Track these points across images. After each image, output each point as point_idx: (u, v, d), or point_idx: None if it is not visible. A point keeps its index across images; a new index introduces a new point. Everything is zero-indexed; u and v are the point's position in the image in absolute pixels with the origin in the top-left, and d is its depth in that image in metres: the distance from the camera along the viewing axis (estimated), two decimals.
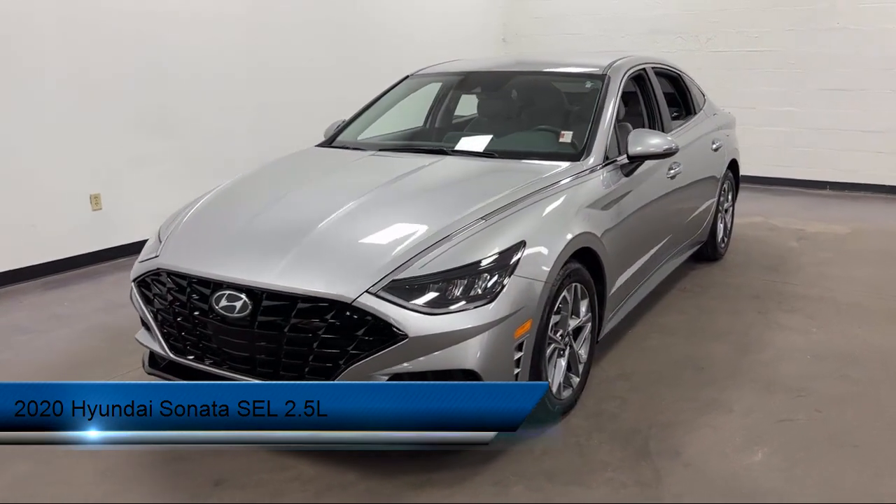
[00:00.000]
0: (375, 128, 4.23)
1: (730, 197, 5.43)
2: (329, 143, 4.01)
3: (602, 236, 3.14)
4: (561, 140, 3.56)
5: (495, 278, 2.53)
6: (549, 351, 2.84)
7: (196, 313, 2.67)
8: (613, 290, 3.38)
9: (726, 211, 5.44)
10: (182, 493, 2.56)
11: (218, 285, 2.61)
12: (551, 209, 2.91)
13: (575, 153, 3.39)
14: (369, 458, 2.71)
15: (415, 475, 2.63)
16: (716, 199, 5.00)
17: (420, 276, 2.48)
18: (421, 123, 4.57)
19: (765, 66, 8.13)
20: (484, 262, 2.54)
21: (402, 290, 2.45)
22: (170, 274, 2.77)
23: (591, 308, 3.16)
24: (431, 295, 2.46)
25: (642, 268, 3.78)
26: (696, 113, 4.95)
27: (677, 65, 5.11)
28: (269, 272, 2.56)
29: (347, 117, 4.25)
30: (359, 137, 4.06)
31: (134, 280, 2.93)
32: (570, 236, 2.85)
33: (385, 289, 2.44)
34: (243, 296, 2.54)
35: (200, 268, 2.69)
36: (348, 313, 2.43)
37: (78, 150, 5.10)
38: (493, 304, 2.49)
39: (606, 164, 3.40)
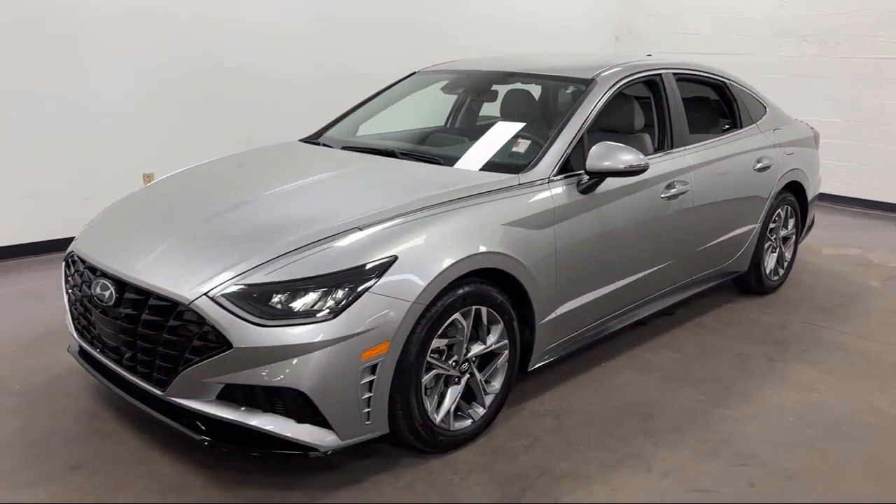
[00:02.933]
0: (379, 125, 4.14)
1: (790, 224, 4.76)
2: (314, 137, 3.98)
3: (528, 257, 2.86)
4: (514, 149, 3.28)
5: (344, 293, 2.37)
6: (426, 378, 2.63)
7: (84, 299, 2.75)
8: (551, 317, 3.07)
9: (784, 240, 4.79)
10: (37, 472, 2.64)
11: (97, 272, 2.67)
12: (451, 224, 2.68)
13: (519, 165, 3.10)
14: (226, 465, 2.66)
15: (262, 490, 2.55)
16: (759, 225, 4.41)
17: (265, 284, 2.38)
18: (437, 122, 4.44)
19: None
20: (335, 275, 2.39)
21: (245, 296, 2.36)
22: (77, 257, 2.87)
23: (508, 335, 2.89)
24: (271, 304, 2.35)
25: (612, 295, 3.41)
26: (741, 126, 4.38)
27: (730, 72, 4.56)
28: (136, 263, 2.58)
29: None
30: (355, 134, 3.98)
31: (64, 260, 3.07)
32: (462, 255, 2.61)
33: (227, 294, 2.36)
34: (111, 285, 2.58)
35: (90, 253, 2.77)
36: (186, 315, 2.38)
37: (138, 134, 5.45)
38: (335, 320, 2.34)
39: (556, 180, 3.09)
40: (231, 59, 5.83)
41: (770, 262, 4.66)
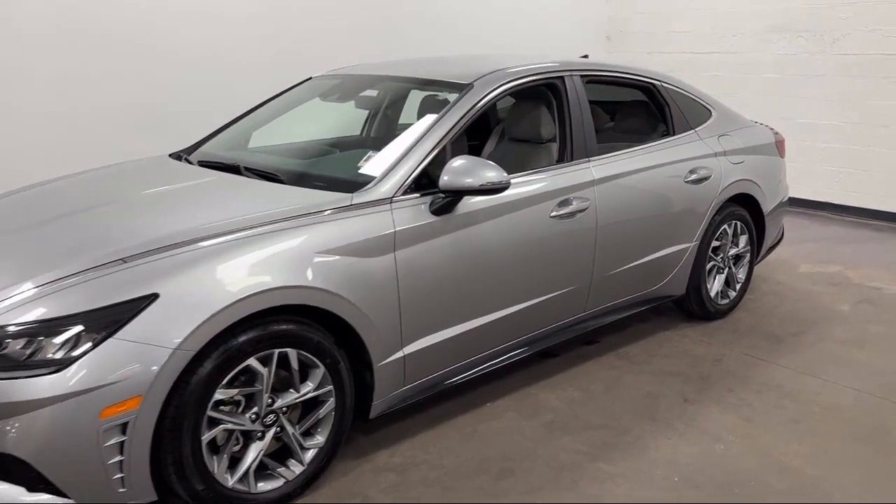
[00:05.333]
0: (289, 134, 3.78)
1: (742, 241, 4.25)
2: (190, 149, 3.64)
3: (354, 290, 2.47)
4: (360, 164, 2.89)
5: (81, 339, 2.02)
6: (211, 435, 2.26)
7: None
8: (396, 357, 2.67)
9: (737, 259, 4.28)
10: None
11: None
12: (244, 253, 2.30)
13: (359, 182, 2.71)
14: None
15: None
16: (696, 244, 3.92)
17: None
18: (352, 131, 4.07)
19: None
20: (69, 318, 2.04)
21: None
22: None
23: (333, 381, 2.50)
24: None
25: (487, 329, 2.99)
26: (675, 133, 3.91)
27: (665, 72, 4.09)
28: None
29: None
30: (247, 145, 3.62)
31: None
32: (249, 291, 2.23)
33: None
34: None
35: None
36: None
37: (65, 145, 5.08)
38: (65, 372, 1.99)
39: (402, 199, 2.69)
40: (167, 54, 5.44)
41: (715, 284, 4.16)
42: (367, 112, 4.01)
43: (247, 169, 2.97)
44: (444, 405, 3.17)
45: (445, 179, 2.69)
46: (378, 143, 3.26)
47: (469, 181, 2.68)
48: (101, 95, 5.10)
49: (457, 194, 2.74)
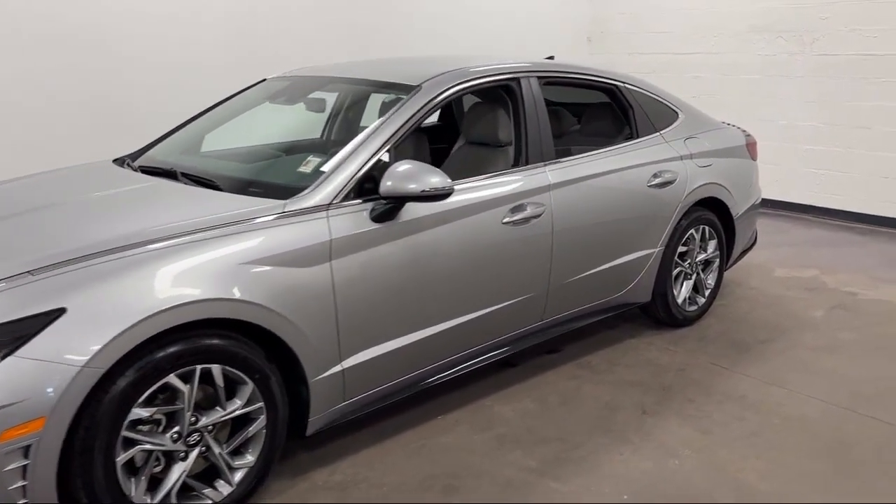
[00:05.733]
0: (248, 136, 3.66)
1: (710, 246, 4.15)
2: (135, 155, 3.52)
3: (284, 301, 2.36)
4: (300, 169, 2.78)
5: None
6: (127, 456, 2.14)
7: None
8: (334, 371, 2.57)
9: (706, 264, 4.17)
10: None
11: None
12: (163, 265, 2.19)
13: (296, 188, 2.60)
14: None
15: None
16: (661, 249, 3.82)
17: None
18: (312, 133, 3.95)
19: (883, 74, 6.34)
20: None
21: None
22: None
23: (264, 397, 2.39)
24: None
25: (435, 340, 2.88)
26: (638, 136, 3.80)
27: (630, 73, 3.98)
28: None
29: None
30: (200, 150, 3.50)
31: None
32: (166, 305, 2.12)
33: None
34: None
35: None
36: None
37: (24, 146, 4.94)
38: None
39: (340, 205, 2.58)
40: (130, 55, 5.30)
41: (683, 290, 4.05)
42: (327, 115, 3.91)
43: (184, 175, 2.86)
44: (394, 419, 3.06)
45: (386, 185, 2.58)
46: (331, 147, 3.15)
47: (411, 187, 2.57)
48: (67, 95, 4.95)
49: (398, 200, 2.63)
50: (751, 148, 4.48)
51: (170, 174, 2.91)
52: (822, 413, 3.14)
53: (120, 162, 3.30)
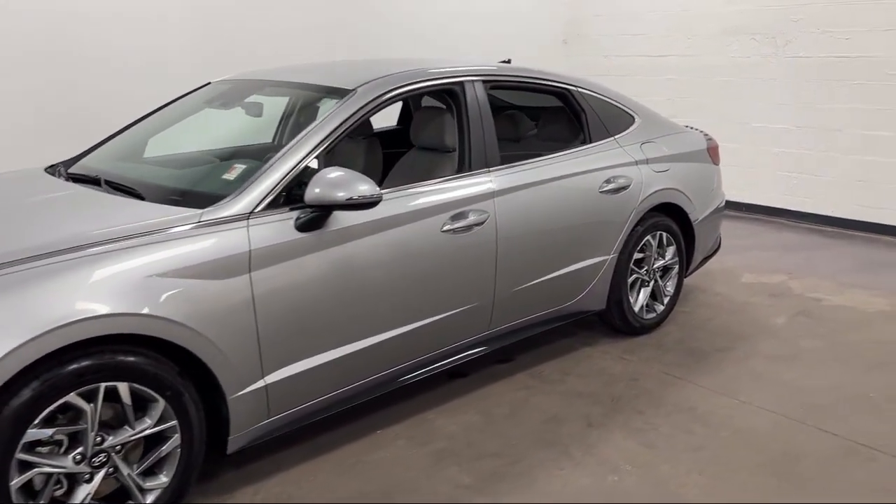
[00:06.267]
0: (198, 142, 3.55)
1: (669, 253, 4.06)
2: (71, 162, 3.41)
3: (196, 315, 2.26)
4: (224, 176, 2.68)
5: None
6: (23, 479, 2.04)
7: None
8: (256, 387, 2.47)
9: (665, 270, 4.09)
10: None
11: None
12: (56, 279, 2.08)
13: (217, 196, 2.51)
14: None
15: None
16: (615, 256, 3.73)
17: None
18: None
19: (855, 76, 6.28)
20: None
21: None
22: None
23: (177, 415, 2.29)
24: None
25: (368, 353, 2.78)
26: (591, 140, 3.72)
27: (583, 77, 3.90)
28: None
29: None
30: (143, 156, 3.39)
31: None
32: (61, 322, 2.01)
33: None
34: None
35: None
36: None
37: None
38: None
39: (263, 214, 2.48)
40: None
41: (640, 297, 3.96)
42: (279, 120, 3.82)
43: (107, 183, 2.76)
44: (330, 433, 2.97)
45: (312, 193, 2.49)
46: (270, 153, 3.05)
47: (338, 195, 2.49)
48: (19, 103, 4.85)
49: (324, 209, 2.54)
50: (712, 152, 4.40)
51: (96, 182, 2.80)
52: (772, 425, 3.06)
53: (52, 169, 3.19)
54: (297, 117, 3.74)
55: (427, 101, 3.96)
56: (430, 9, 7.05)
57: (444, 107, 3.35)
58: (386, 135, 4.33)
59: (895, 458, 2.79)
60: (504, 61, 4.20)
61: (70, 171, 3.06)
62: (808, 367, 3.63)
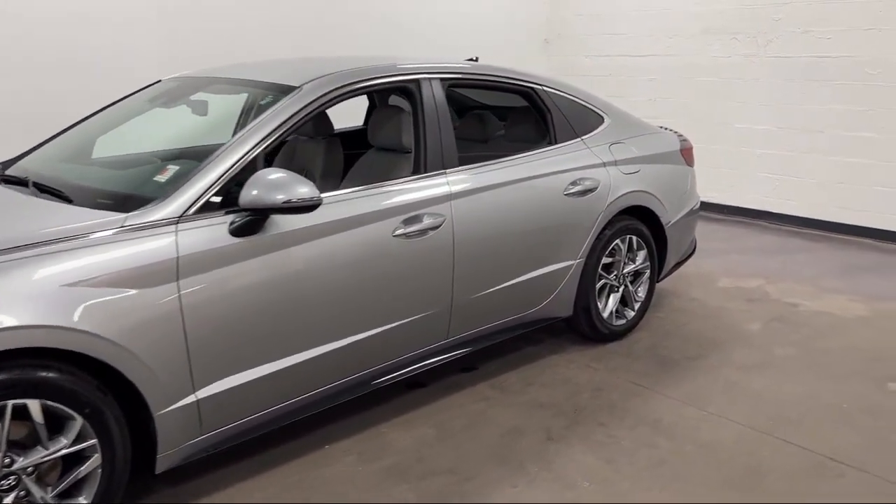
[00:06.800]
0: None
1: (640, 257, 3.94)
2: (10, 162, 3.26)
3: (115, 327, 2.12)
4: (156, 178, 2.54)
5: None
6: None
7: None
8: (186, 402, 2.32)
9: (636, 275, 3.96)
10: None
11: None
12: None
13: (145, 199, 2.36)
14: None
15: None
16: (582, 261, 3.60)
17: None
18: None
19: (837, 77, 6.18)
20: None
21: None
22: None
23: (97, 433, 2.15)
24: None
25: (313, 365, 2.64)
26: (556, 141, 3.59)
27: (550, 75, 3.77)
28: None
29: None
30: (91, 155, 3.23)
31: None
32: None
33: None
34: None
35: None
36: None
37: None
38: None
39: (194, 218, 2.34)
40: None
41: (609, 303, 3.84)
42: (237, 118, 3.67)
43: (35, 185, 2.61)
44: (279, 447, 2.83)
45: (246, 195, 2.35)
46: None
47: (277, 197, 2.36)
48: None
49: (260, 213, 2.40)
50: (685, 153, 4.28)
51: (25, 184, 2.65)
52: (738, 438, 2.93)
53: None
54: (248, 116, 3.60)
55: (395, 101, 3.82)
56: (407, 7, 6.92)
57: (403, 106, 3.22)
58: (350, 135, 4.20)
59: (864, 474, 2.67)
60: (471, 59, 4.07)
61: (5, 173, 2.90)
62: (779, 376, 3.51)
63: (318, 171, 3.59)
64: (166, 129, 3.30)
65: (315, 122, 3.54)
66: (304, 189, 2.39)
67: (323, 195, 2.49)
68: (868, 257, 5.58)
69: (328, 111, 3.12)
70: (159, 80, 3.58)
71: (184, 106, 3.23)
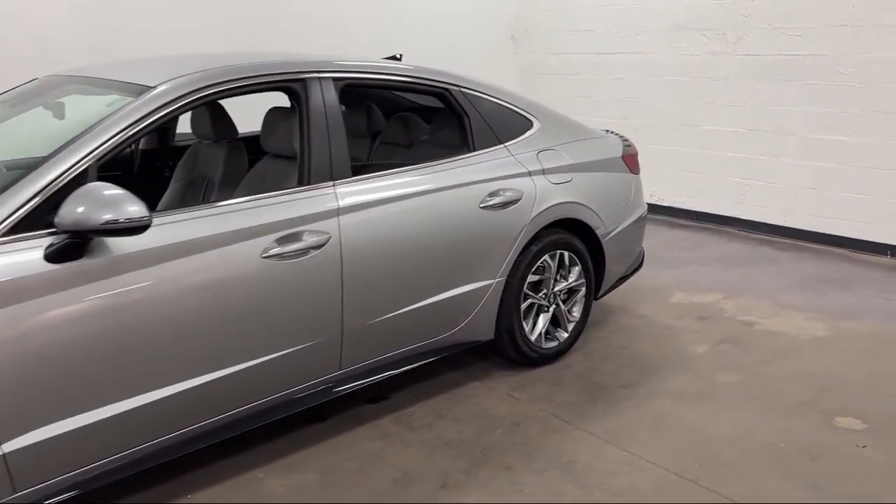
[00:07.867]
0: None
1: (573, 274, 3.59)
2: None
3: None
4: None
5: None
6: None
7: None
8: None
9: (570, 293, 3.62)
10: None
11: None
12: None
13: None
14: None
15: None
16: (503, 280, 3.26)
17: None
18: None
19: (807, 76, 5.84)
20: None
21: None
22: None
23: None
24: None
25: (164, 405, 2.31)
26: (475, 148, 3.25)
27: (470, 75, 3.42)
28: None
29: None
30: None
31: None
32: None
33: None
34: None
35: None
36: None
37: None
38: None
39: (4, 242, 2.00)
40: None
41: (538, 325, 3.50)
42: None
43: None
44: (132, 496, 2.49)
45: (61, 216, 2.01)
46: None
47: (102, 217, 2.01)
48: None
49: (79, 235, 2.06)
50: (628, 160, 3.94)
51: None
52: (658, 485, 2.60)
53: None
54: None
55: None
56: (372, 4, 6.59)
57: (289, 109, 2.88)
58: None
59: None
60: (392, 57, 3.73)
61: None
62: (718, 409, 3.18)
63: (217, 179, 3.25)
64: (18, 134, 2.95)
65: (215, 124, 3.20)
66: (134, 207, 2.06)
67: (166, 213, 2.16)
68: (835, 268, 5.24)
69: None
70: (35, 79, 3.23)
71: (41, 108, 2.88)
